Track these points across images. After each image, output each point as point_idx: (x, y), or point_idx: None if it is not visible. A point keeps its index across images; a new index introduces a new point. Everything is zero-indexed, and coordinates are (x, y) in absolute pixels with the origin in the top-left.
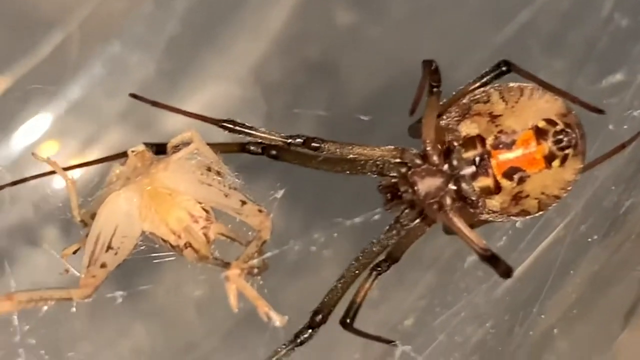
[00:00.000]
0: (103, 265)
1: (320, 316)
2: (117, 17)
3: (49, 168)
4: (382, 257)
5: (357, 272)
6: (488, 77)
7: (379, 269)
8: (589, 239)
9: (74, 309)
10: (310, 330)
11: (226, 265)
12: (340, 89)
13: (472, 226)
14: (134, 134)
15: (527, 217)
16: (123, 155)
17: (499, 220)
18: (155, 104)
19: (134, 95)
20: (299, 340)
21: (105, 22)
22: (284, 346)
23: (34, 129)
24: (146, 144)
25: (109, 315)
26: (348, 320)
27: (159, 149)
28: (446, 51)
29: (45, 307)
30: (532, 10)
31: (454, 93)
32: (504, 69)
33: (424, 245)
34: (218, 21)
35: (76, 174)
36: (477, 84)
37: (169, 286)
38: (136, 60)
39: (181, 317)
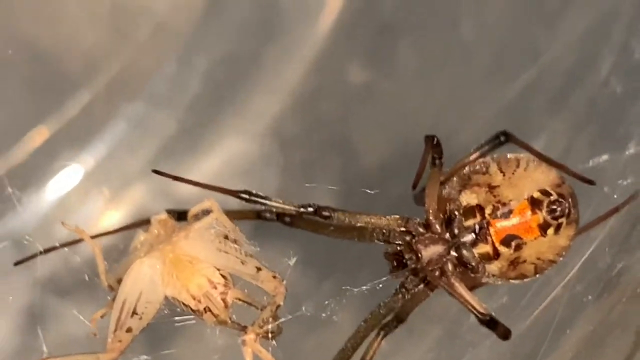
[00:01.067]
0: (129, 330)
1: None
2: (142, 77)
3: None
4: (389, 317)
5: (365, 332)
6: (487, 147)
7: (387, 329)
8: (584, 299)
9: None
10: None
11: (243, 329)
12: (352, 150)
13: (473, 287)
14: (156, 192)
15: (525, 280)
16: (147, 222)
17: (499, 283)
18: (176, 178)
19: (156, 171)
20: None
21: (130, 82)
22: None
23: (61, 184)
24: (168, 211)
25: None
26: None
27: (180, 216)
28: (454, 107)
29: None
30: (534, 71)
31: (456, 161)
32: (502, 139)
33: (433, 300)
34: (237, 79)
35: (102, 238)
36: (477, 154)
37: (190, 350)
38: (159, 118)
39: None
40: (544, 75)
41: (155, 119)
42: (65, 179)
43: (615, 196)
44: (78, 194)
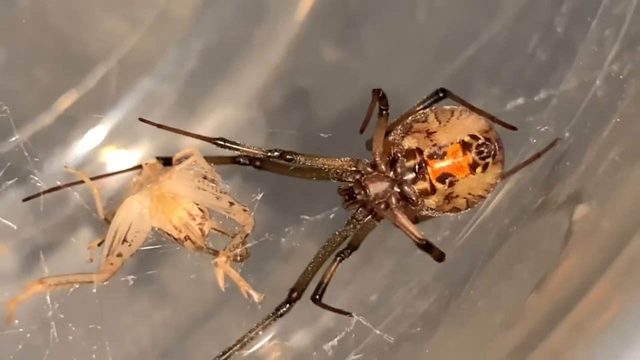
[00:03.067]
0: (119, 255)
1: (295, 293)
2: (148, 57)
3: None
4: (344, 246)
5: (324, 257)
6: (428, 101)
7: (342, 255)
8: (510, 230)
9: (94, 290)
10: (287, 305)
11: (216, 253)
12: (316, 111)
13: (415, 220)
14: (160, 148)
15: (458, 213)
16: (139, 167)
17: (436, 215)
18: (159, 126)
19: (142, 119)
20: (279, 313)
21: (138, 61)
22: (267, 317)
23: (82, 146)
24: (157, 158)
25: (122, 296)
26: (317, 297)
27: (167, 162)
28: (408, 81)
29: (72, 288)
30: (475, 47)
31: (402, 114)
32: (441, 95)
33: (389, 234)
34: (229, 58)
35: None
36: (418, 107)
37: (170, 271)
38: (163, 91)
39: (182, 295)
40: (482, 51)
41: (159, 91)
42: (84, 139)
43: (534, 141)
44: (95, 150)
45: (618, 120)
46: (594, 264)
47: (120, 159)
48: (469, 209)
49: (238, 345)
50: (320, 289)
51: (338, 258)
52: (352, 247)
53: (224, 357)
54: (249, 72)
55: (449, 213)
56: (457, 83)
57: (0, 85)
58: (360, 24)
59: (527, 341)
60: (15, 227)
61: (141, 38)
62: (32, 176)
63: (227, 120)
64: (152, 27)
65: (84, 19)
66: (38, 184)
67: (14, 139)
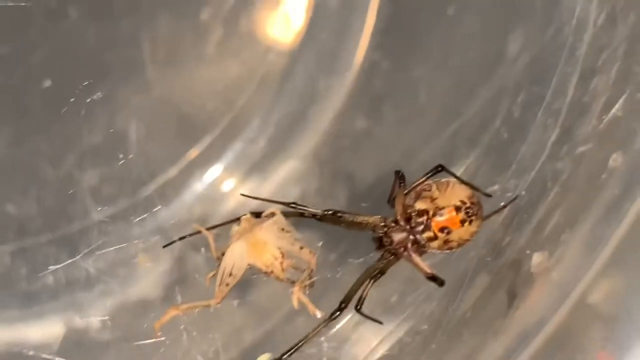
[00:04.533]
0: (227, 284)
1: (343, 304)
2: (239, 127)
3: None
4: (375, 272)
5: (362, 281)
6: (430, 173)
7: (374, 278)
8: (486, 259)
9: (211, 310)
10: (338, 312)
11: (293, 283)
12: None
13: (422, 255)
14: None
15: (453, 250)
16: (238, 219)
17: (438, 252)
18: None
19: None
20: (332, 317)
21: (235, 128)
22: (324, 320)
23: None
24: (251, 213)
25: (228, 315)
26: (358, 307)
27: (258, 216)
28: (414, 144)
29: (197, 310)
30: (458, 123)
31: (412, 183)
32: (439, 169)
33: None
34: (293, 129)
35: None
36: (424, 179)
37: (264, 296)
38: (251, 151)
39: (271, 310)
40: (463, 126)
41: (248, 153)
42: (196, 194)
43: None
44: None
45: (557, 191)
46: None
47: (220, 204)
48: (460, 248)
49: (306, 339)
50: (360, 302)
51: (372, 280)
52: (382, 272)
53: (296, 346)
54: (308, 137)
55: (446, 251)
56: (447, 147)
57: (141, 153)
58: (382, 101)
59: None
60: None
61: (237, 113)
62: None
63: (294, 170)
64: (242, 107)
65: (196, 103)
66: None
67: (147, 193)
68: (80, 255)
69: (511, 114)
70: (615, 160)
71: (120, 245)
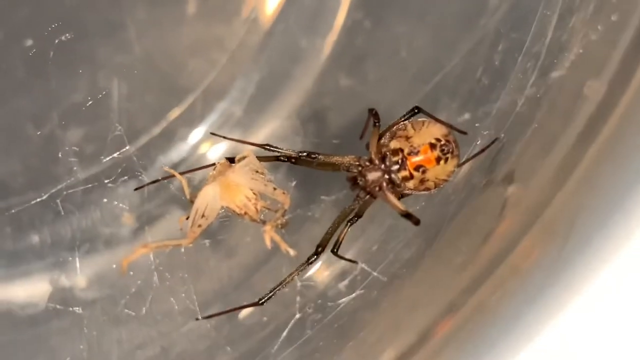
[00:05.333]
0: (199, 225)
1: (320, 248)
2: (223, 87)
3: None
4: (352, 215)
5: (338, 223)
6: (407, 116)
7: (351, 221)
8: (466, 201)
9: (182, 250)
10: (315, 256)
11: (265, 223)
12: (332, 122)
13: (400, 197)
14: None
15: (430, 191)
16: (213, 164)
17: (413, 193)
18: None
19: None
20: (309, 261)
21: (216, 90)
22: (301, 264)
23: (177, 151)
24: (226, 158)
25: (202, 254)
26: (335, 250)
27: (231, 160)
28: (395, 98)
29: (167, 249)
30: (440, 75)
31: (389, 124)
32: (416, 111)
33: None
34: (276, 86)
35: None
36: (401, 119)
37: (234, 236)
38: (232, 111)
39: (243, 251)
40: (445, 77)
41: (229, 111)
42: (178, 147)
43: (479, 142)
44: (186, 154)
45: (536, 126)
46: (522, 225)
47: (203, 159)
48: (437, 189)
49: (282, 284)
50: (337, 245)
51: (348, 223)
52: (358, 215)
53: (273, 292)
54: (290, 96)
55: (423, 192)
56: (429, 100)
57: (122, 110)
58: (364, 59)
59: (477, 279)
60: (127, 208)
61: (217, 74)
62: (139, 174)
63: (274, 129)
64: (225, 66)
65: (178, 61)
66: (145, 179)
67: (126, 148)
68: (65, 214)
69: (492, 62)
70: (589, 87)
71: (104, 204)
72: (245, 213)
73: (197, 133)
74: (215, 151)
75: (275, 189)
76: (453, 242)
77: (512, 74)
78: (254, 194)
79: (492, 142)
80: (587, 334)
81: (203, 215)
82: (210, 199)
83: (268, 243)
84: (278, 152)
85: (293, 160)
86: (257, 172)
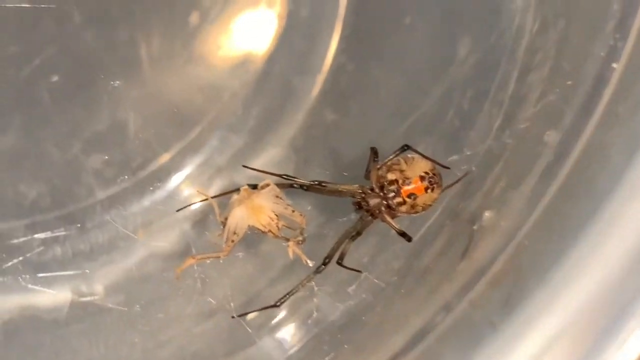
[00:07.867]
0: (232, 241)
1: (327, 259)
2: (224, 119)
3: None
4: (354, 233)
5: (342, 240)
6: (398, 151)
7: (353, 237)
8: (445, 222)
9: (221, 261)
10: (323, 266)
11: (287, 239)
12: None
13: (394, 217)
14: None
15: (418, 214)
16: (238, 190)
17: (406, 215)
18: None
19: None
20: (318, 270)
21: (221, 119)
22: (312, 273)
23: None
24: (249, 185)
25: (235, 265)
26: (340, 261)
27: (254, 187)
28: (378, 133)
29: (209, 261)
30: (416, 114)
31: (385, 159)
32: (405, 148)
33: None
34: (273, 118)
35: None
36: (394, 156)
37: (262, 249)
38: (237, 141)
39: (270, 259)
40: (421, 117)
41: (232, 140)
42: (187, 176)
43: (458, 173)
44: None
45: (502, 163)
46: (496, 249)
47: (207, 183)
48: (424, 211)
49: (296, 289)
50: (342, 257)
51: (351, 239)
52: (359, 233)
53: (288, 295)
54: (284, 128)
55: (413, 214)
56: (405, 136)
57: (137, 138)
58: (348, 97)
59: (458, 293)
60: (141, 225)
61: (221, 107)
62: (152, 193)
63: (272, 156)
64: (226, 102)
65: (186, 97)
66: (157, 200)
67: (139, 172)
68: (85, 229)
69: (461, 106)
70: (549, 135)
71: (120, 220)
72: (269, 231)
73: (201, 160)
74: (221, 177)
75: (293, 211)
76: (436, 258)
77: (479, 117)
78: (276, 215)
79: (466, 174)
80: None
81: (234, 233)
82: (239, 219)
83: (291, 255)
84: (293, 180)
85: (305, 187)
86: (278, 197)
